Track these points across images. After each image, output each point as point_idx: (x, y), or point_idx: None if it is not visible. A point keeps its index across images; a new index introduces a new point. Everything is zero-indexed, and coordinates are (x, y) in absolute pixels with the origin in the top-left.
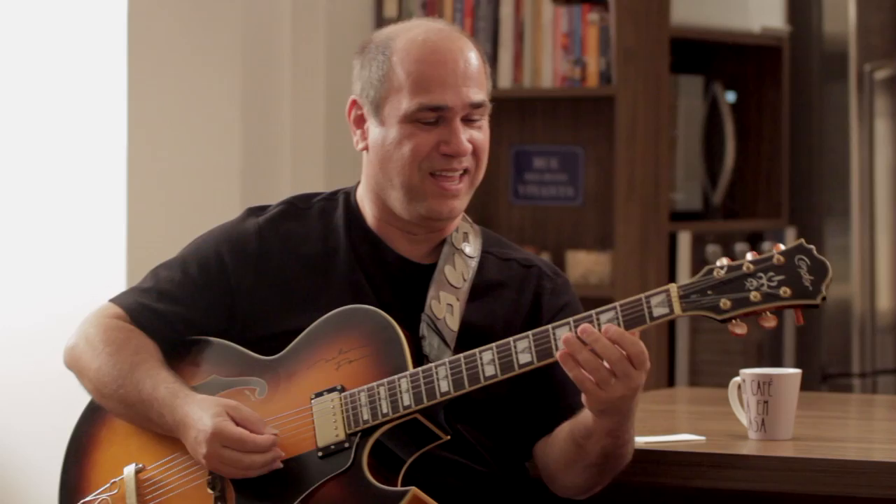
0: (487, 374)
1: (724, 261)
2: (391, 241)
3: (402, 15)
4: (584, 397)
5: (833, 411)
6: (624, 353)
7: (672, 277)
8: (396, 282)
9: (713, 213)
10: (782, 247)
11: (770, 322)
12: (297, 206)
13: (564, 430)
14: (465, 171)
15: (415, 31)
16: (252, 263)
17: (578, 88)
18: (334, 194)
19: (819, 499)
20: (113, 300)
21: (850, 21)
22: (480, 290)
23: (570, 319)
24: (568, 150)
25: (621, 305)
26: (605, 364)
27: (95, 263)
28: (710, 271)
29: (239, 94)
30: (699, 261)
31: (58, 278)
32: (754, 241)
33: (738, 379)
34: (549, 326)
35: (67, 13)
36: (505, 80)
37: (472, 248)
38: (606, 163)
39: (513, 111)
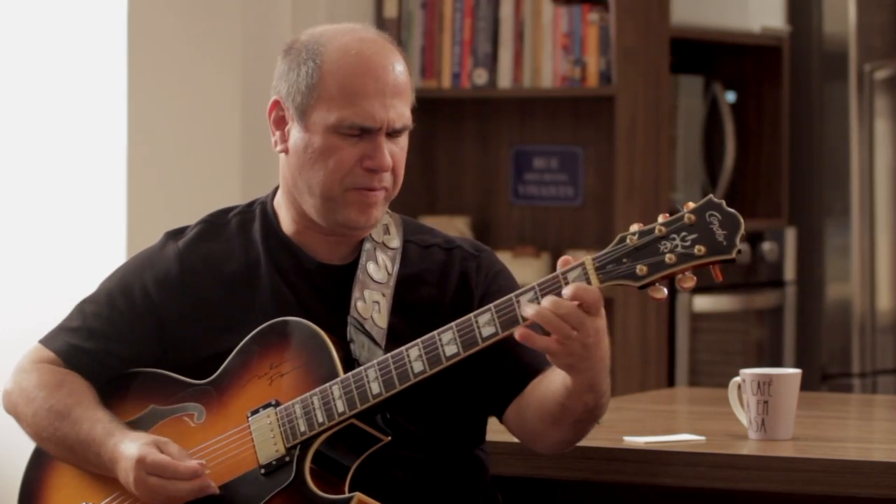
0: (416, 370)
1: (636, 227)
2: (310, 246)
3: (401, 15)
4: (550, 358)
5: (833, 411)
6: (576, 304)
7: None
8: (320, 288)
9: None
10: (692, 205)
11: (689, 283)
12: (215, 224)
13: (540, 391)
14: (384, 189)
15: (346, 38)
16: (177, 290)
17: (578, 88)
18: (251, 206)
19: (819, 499)
20: (43, 342)
21: (850, 21)
22: (406, 282)
23: (491, 306)
24: (568, 150)
25: (539, 285)
26: (565, 322)
27: (95, 263)
28: (623, 239)
29: (239, 94)
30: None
31: (57, 278)
32: (754, 241)
33: (738, 379)
34: (471, 315)
35: (67, 13)
36: (505, 80)
37: (393, 239)
38: (606, 163)
39: (513, 111)
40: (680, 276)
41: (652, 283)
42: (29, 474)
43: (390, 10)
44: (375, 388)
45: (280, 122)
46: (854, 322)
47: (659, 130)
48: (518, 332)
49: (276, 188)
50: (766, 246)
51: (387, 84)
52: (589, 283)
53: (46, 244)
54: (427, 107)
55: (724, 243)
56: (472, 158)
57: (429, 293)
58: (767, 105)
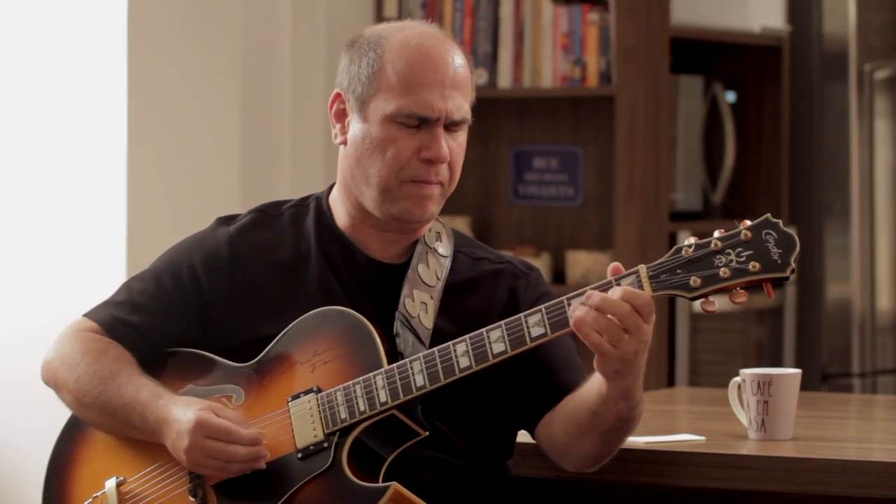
0: (462, 365)
1: (692, 239)
2: (363, 242)
3: (401, 15)
4: (597, 361)
5: (833, 411)
6: (631, 307)
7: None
8: (369, 283)
9: (713, 213)
10: (749, 222)
11: (741, 297)
12: (268, 214)
13: (572, 404)
14: (440, 184)
15: (408, 31)
16: (224, 272)
17: (578, 88)
18: (305, 200)
19: (819, 499)
20: (87, 315)
21: (850, 21)
22: (454, 289)
23: (542, 307)
24: (568, 150)
25: (592, 289)
26: (616, 321)
27: (95, 263)
28: (679, 250)
29: (239, 94)
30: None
31: (57, 278)
32: None
33: (738, 379)
34: (521, 315)
35: (67, 13)
36: (505, 80)
37: (444, 247)
38: (606, 163)
39: (513, 111)
40: (732, 290)
41: (704, 296)
42: (60, 446)
43: (390, 10)
44: (420, 380)
45: (340, 115)
46: (854, 322)
47: (659, 130)
48: (574, 320)
49: (332, 185)
50: None
51: (446, 75)
52: (642, 290)
53: (46, 245)
54: None
55: (779, 261)
56: (472, 158)
57: (476, 303)
58: (767, 105)
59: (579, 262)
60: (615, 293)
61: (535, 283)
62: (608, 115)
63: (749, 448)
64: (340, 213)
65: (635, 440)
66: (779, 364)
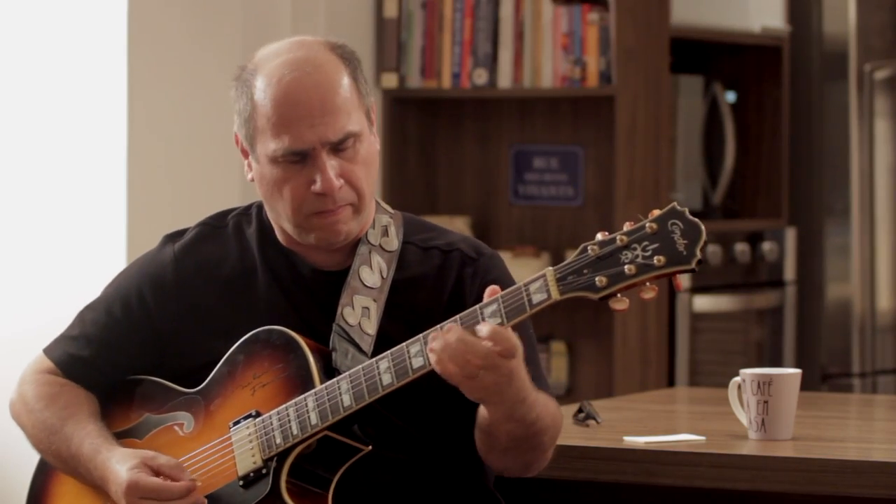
0: (385, 382)
1: (599, 236)
2: (305, 252)
3: (401, 15)
4: (460, 389)
5: (833, 411)
6: (493, 348)
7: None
8: (315, 295)
9: (713, 213)
10: (657, 212)
11: (650, 293)
12: (213, 226)
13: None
14: (347, 205)
15: (273, 63)
16: (172, 296)
17: (578, 88)
18: (248, 208)
19: (819, 499)
20: (45, 351)
21: (850, 21)
22: (401, 286)
23: (458, 317)
24: (568, 150)
25: (503, 297)
26: (472, 359)
27: (94, 264)
28: (585, 249)
29: None
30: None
31: (57, 278)
32: (754, 241)
33: (738, 379)
34: (440, 325)
35: (67, 13)
36: (505, 80)
37: (391, 242)
38: (606, 163)
39: (513, 111)
40: (641, 287)
41: (612, 295)
42: (35, 480)
43: (390, 10)
44: (346, 400)
45: (244, 153)
46: (854, 322)
47: (659, 130)
48: (433, 358)
49: None
50: (766, 246)
51: (312, 107)
52: (549, 294)
53: (46, 245)
54: (427, 107)
55: (685, 253)
56: (472, 158)
57: (425, 297)
58: (767, 105)
59: None
60: (482, 330)
61: (483, 269)
62: (608, 115)
63: (749, 448)
64: (277, 229)
65: (635, 440)
66: (779, 364)
